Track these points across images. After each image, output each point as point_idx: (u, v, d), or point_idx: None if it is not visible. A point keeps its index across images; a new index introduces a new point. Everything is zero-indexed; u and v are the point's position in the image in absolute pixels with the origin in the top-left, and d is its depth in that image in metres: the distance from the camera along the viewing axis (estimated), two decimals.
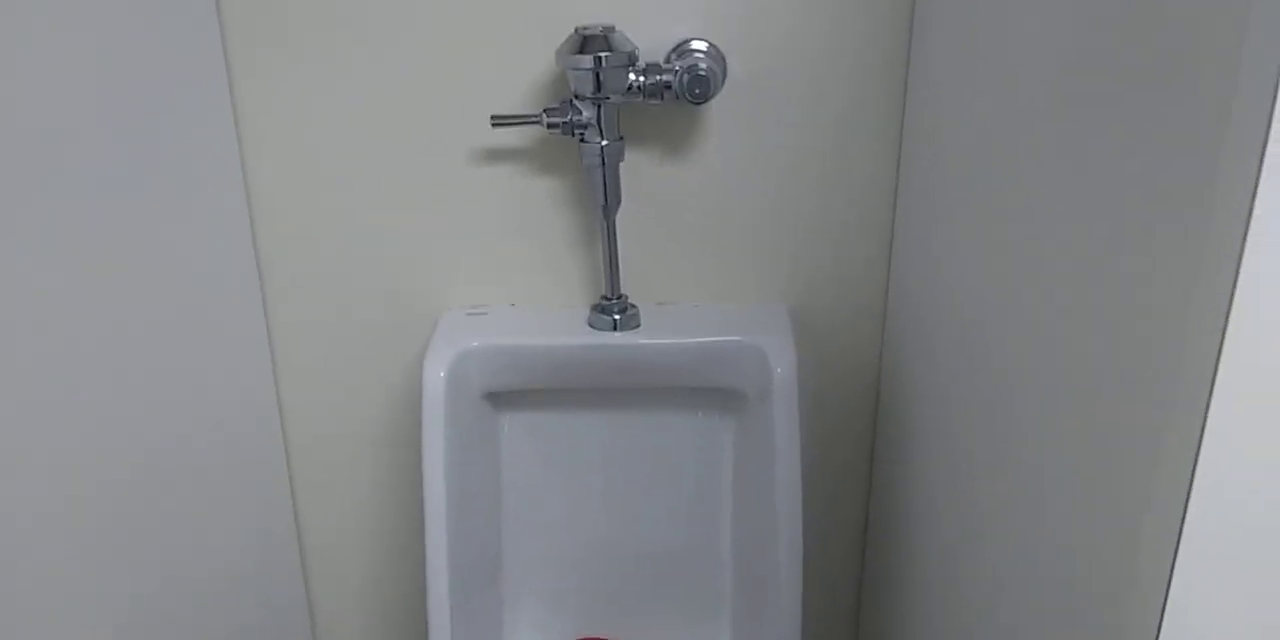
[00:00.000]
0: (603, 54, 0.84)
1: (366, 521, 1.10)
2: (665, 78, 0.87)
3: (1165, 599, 0.47)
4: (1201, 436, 0.44)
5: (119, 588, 0.84)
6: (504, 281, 1.00)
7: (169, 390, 0.88)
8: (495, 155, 0.95)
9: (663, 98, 0.87)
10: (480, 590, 1.02)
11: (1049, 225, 0.60)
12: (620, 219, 0.93)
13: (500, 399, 0.99)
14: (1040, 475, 0.63)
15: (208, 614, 0.95)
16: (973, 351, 0.76)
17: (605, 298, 0.95)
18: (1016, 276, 0.66)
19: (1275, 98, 0.38)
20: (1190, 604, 0.47)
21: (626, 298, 0.96)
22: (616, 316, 0.94)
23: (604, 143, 0.88)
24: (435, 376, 0.90)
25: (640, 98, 0.88)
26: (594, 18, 0.88)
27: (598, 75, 0.85)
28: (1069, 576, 0.58)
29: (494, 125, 0.90)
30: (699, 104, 0.88)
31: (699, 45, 0.90)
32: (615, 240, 0.93)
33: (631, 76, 0.87)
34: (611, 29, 0.86)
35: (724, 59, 0.90)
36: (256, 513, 1.03)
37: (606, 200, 0.91)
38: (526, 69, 0.92)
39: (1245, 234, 0.40)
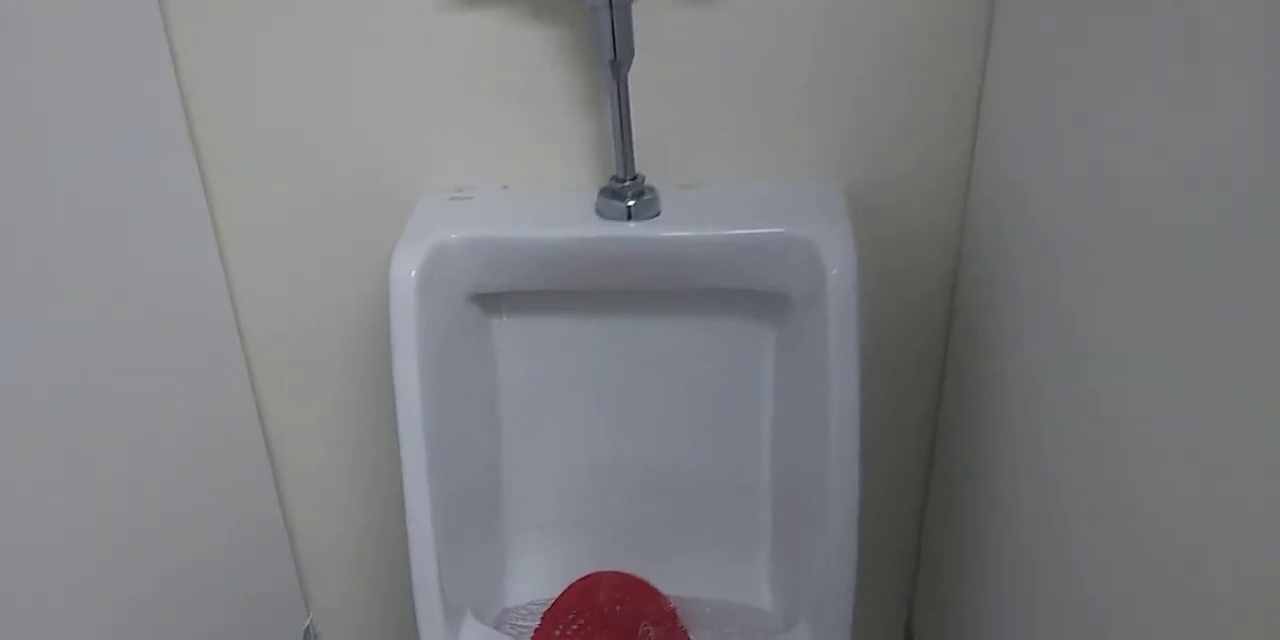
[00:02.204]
0: None
1: (343, 441, 0.96)
2: None
3: None
4: None
5: (77, 511, 0.73)
6: (493, 158, 0.81)
7: (110, 292, 0.73)
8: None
9: None
10: (475, 521, 0.88)
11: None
12: (633, 77, 0.74)
13: (491, 302, 0.83)
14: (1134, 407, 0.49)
15: (178, 536, 0.84)
16: (1077, 248, 0.58)
17: (616, 178, 0.77)
18: (1145, 154, 0.47)
19: None
20: None
21: (642, 178, 0.77)
22: (630, 203, 0.76)
23: None
24: (405, 276, 0.73)
25: None
26: None
27: None
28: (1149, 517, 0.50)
29: None
30: None
31: None
32: (627, 105, 0.74)
33: None
34: None
35: None
36: (218, 429, 0.89)
37: (616, 53, 0.72)
38: None
39: None
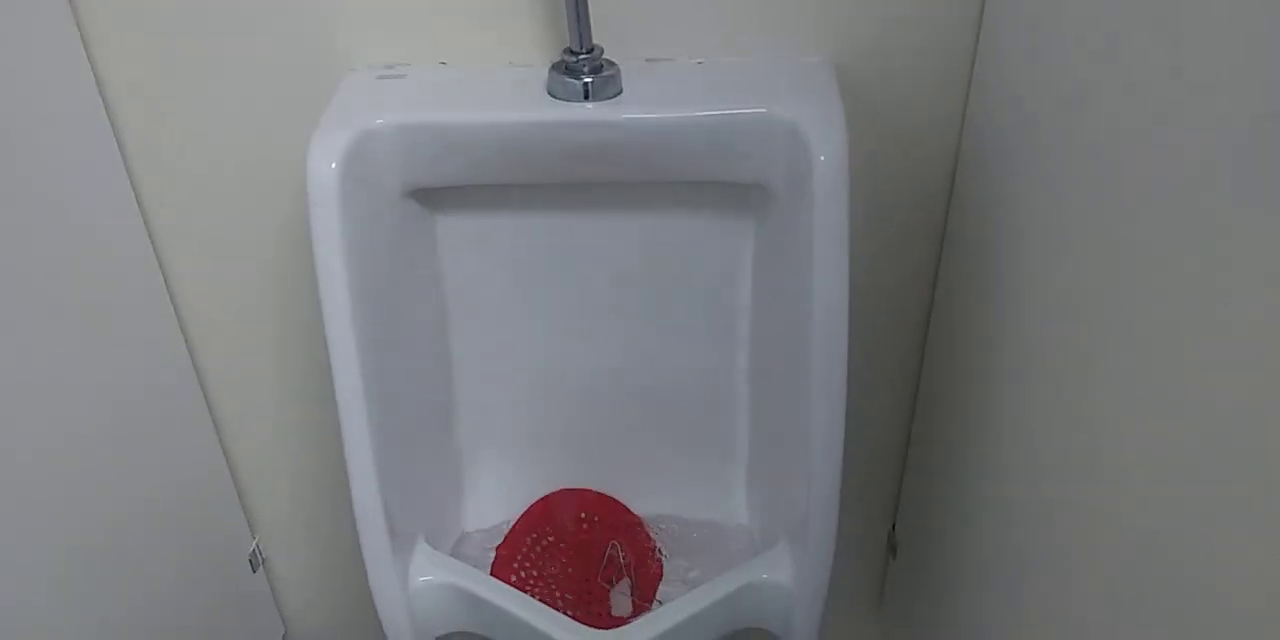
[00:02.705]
0: None
1: (278, 355, 0.87)
2: None
3: None
4: None
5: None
6: (428, 27, 0.70)
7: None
8: None
9: None
10: (426, 439, 0.80)
11: None
12: None
13: (432, 198, 0.73)
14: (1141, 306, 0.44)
15: (109, 462, 0.76)
16: (1095, 135, 0.48)
17: (570, 52, 0.66)
18: (1167, 35, 0.38)
19: None
20: None
21: (600, 51, 0.66)
22: (587, 79, 0.65)
23: None
24: (323, 170, 0.63)
25: None
26: None
27: None
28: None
29: None
30: None
31: None
32: None
33: None
34: None
35: None
36: (141, 350, 0.79)
37: None
38: None
39: None
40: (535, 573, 0.84)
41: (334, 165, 0.63)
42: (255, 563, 0.98)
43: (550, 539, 0.86)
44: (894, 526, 0.98)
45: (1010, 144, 0.65)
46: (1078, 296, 0.55)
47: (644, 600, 0.82)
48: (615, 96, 0.66)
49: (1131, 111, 0.47)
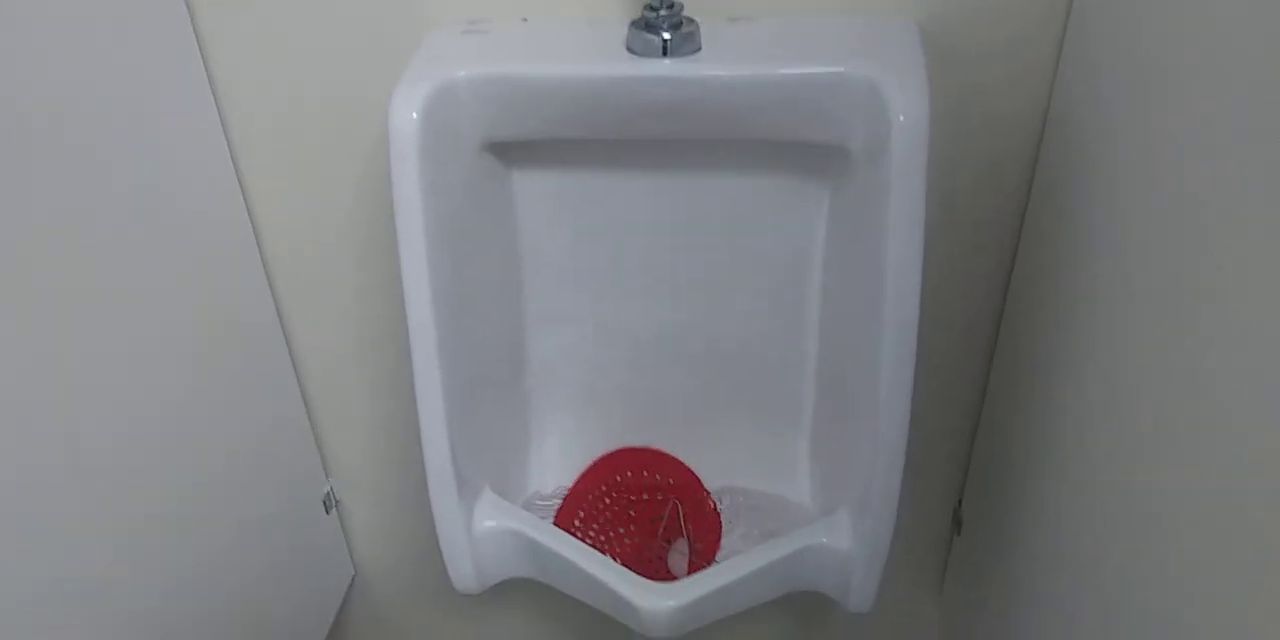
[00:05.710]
0: None
1: (358, 304, 0.89)
2: None
3: None
4: None
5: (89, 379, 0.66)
6: None
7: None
8: None
9: None
10: (496, 393, 0.81)
11: None
12: None
13: (510, 152, 0.73)
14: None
15: (192, 403, 0.78)
16: (1193, 102, 0.47)
17: (651, 8, 0.65)
18: None
19: None
20: None
21: (681, 8, 0.66)
22: (666, 36, 0.65)
23: None
24: (405, 119, 0.64)
25: None
26: None
27: None
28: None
29: None
30: None
31: None
32: None
33: None
34: None
35: None
36: (228, 292, 0.82)
37: None
38: None
39: None
40: (595, 528, 0.85)
41: (415, 115, 0.64)
42: (329, 505, 1.01)
43: (612, 496, 0.87)
44: (960, 502, 0.97)
45: (1102, 110, 0.63)
46: (1171, 272, 0.53)
47: (701, 561, 0.83)
48: (694, 53, 0.66)
49: (1239, 81, 0.45)
